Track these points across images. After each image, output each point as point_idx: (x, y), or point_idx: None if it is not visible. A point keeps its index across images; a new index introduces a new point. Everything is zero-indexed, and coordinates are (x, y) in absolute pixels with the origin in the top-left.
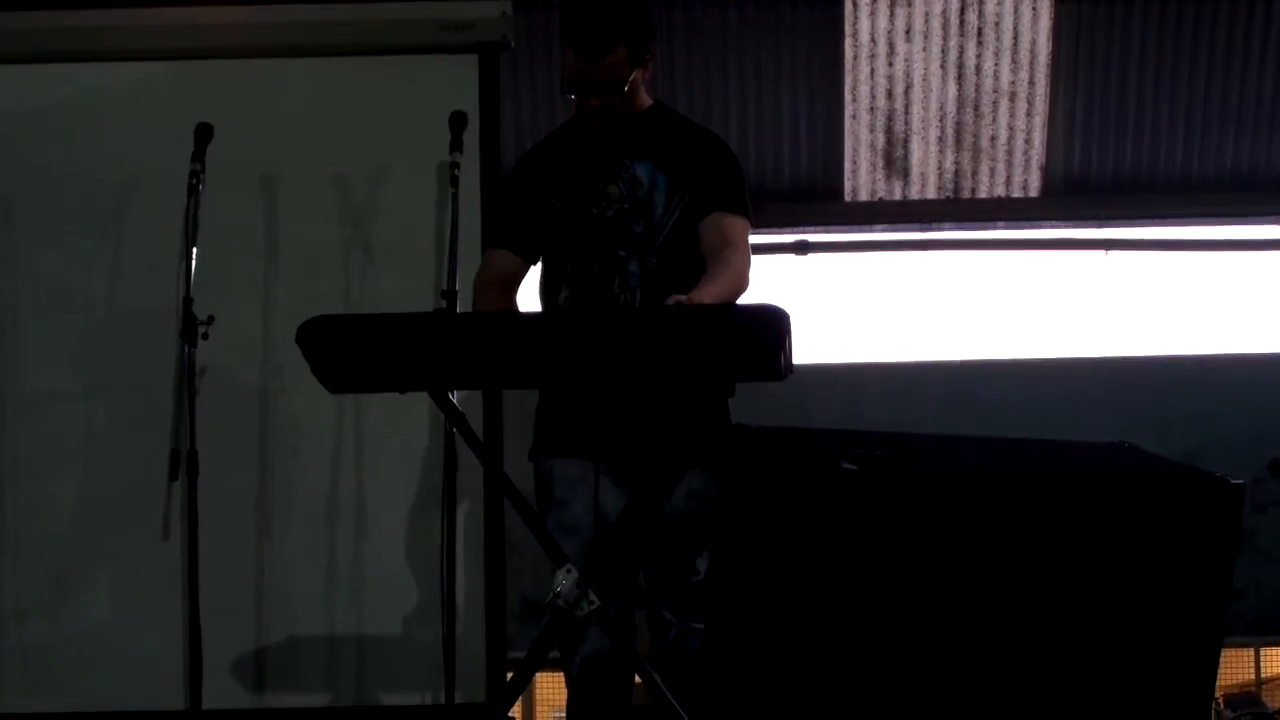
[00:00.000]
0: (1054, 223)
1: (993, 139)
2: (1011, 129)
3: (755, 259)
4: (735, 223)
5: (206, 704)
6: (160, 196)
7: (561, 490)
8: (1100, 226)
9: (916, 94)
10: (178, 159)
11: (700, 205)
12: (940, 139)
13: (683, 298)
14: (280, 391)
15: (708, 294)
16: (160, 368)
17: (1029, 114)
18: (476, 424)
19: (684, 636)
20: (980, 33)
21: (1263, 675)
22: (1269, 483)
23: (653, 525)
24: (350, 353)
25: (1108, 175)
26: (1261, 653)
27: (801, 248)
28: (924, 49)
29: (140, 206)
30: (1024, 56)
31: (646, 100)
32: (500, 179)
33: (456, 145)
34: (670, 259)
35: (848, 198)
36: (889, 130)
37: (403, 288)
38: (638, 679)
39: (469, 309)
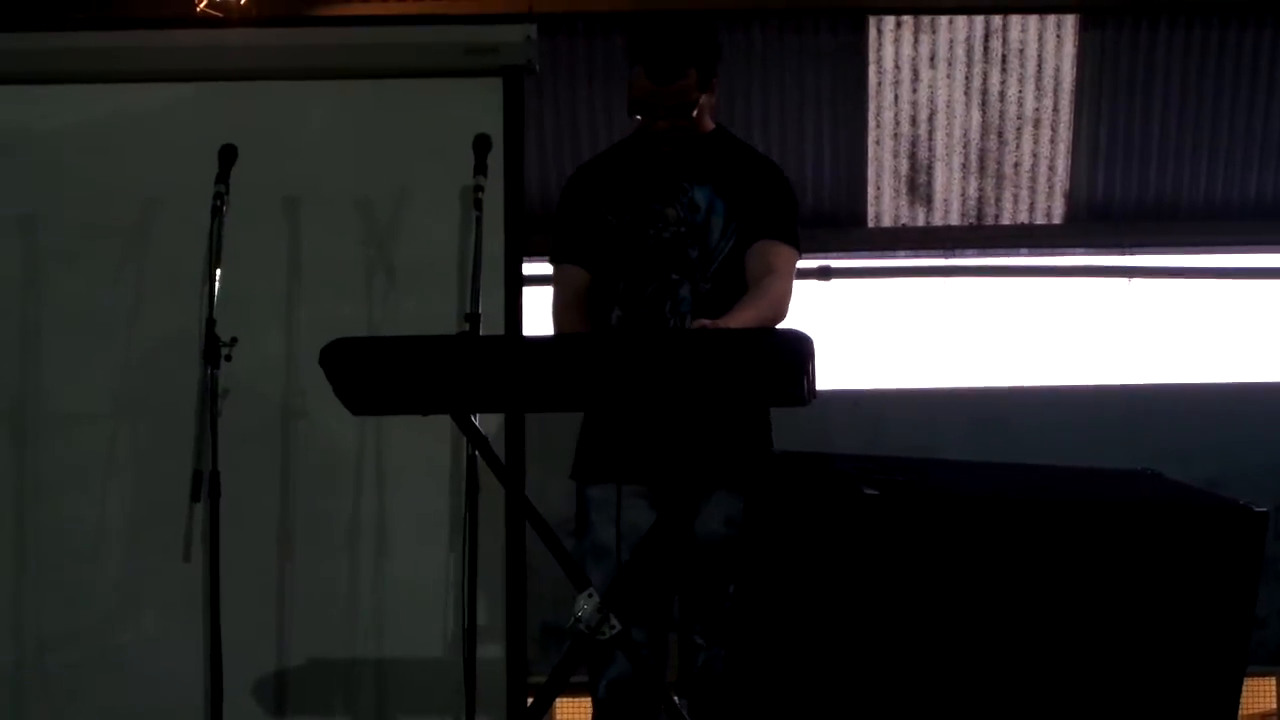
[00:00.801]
0: (1077, 250)
1: (1016, 166)
2: (1035, 156)
3: None
4: (781, 251)
5: None
6: (184, 217)
7: (596, 513)
8: (1123, 254)
9: (940, 120)
10: (201, 180)
11: (750, 231)
12: (964, 165)
13: (707, 322)
14: (303, 413)
15: (736, 319)
16: (183, 389)
17: (1053, 141)
18: (499, 447)
19: (713, 661)
20: (1004, 59)
21: None
22: None
23: (686, 549)
24: (373, 375)
25: (1131, 202)
26: None
27: (824, 273)
28: (948, 75)
29: (164, 227)
30: (1048, 83)
31: (710, 124)
32: (523, 203)
33: (480, 168)
34: (723, 285)
35: (871, 223)
36: (912, 156)
37: (425, 310)
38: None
39: (494, 332)
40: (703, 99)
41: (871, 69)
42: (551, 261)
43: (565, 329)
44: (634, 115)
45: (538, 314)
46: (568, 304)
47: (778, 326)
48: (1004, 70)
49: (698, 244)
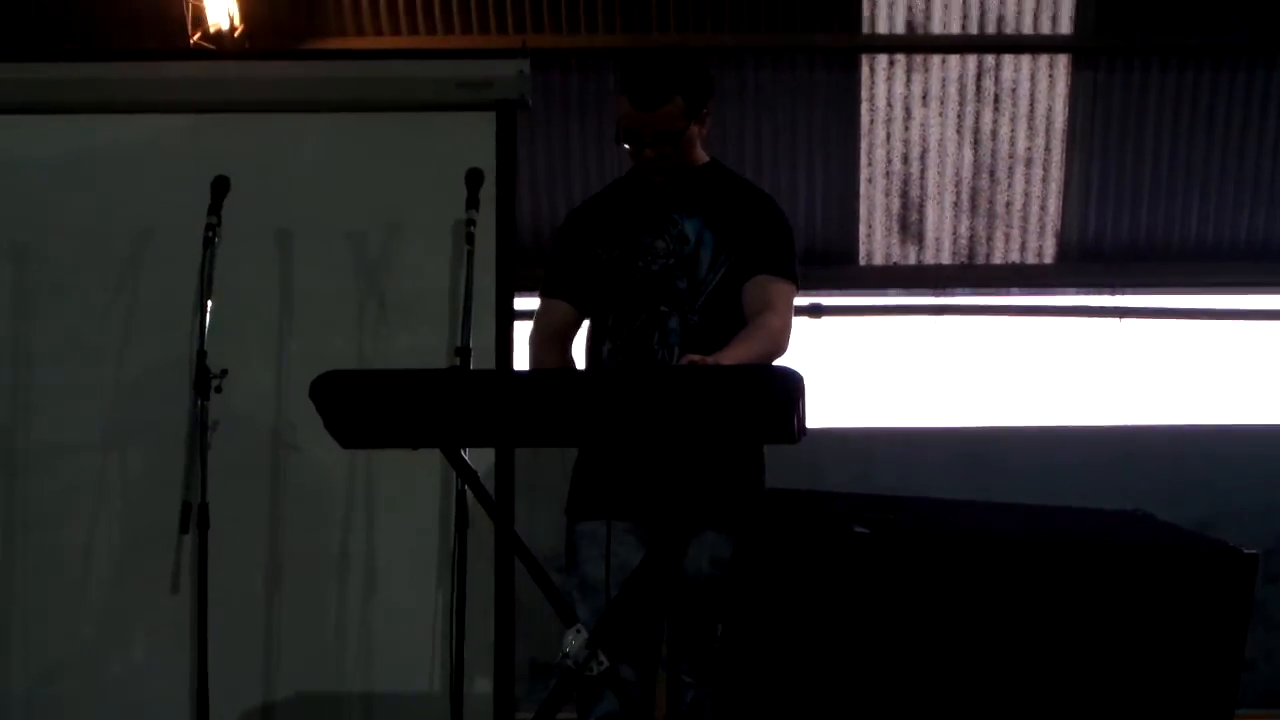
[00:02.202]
0: (1068, 289)
1: (1008, 205)
2: (1027, 195)
3: None
4: (779, 287)
5: None
6: (176, 249)
7: (585, 548)
8: (1114, 294)
9: (932, 159)
10: (193, 211)
11: (746, 266)
12: (955, 204)
13: (697, 358)
14: (292, 446)
15: (729, 356)
16: (173, 420)
17: (1044, 180)
18: (488, 482)
19: (702, 699)
20: (997, 99)
21: None
22: None
23: (675, 588)
24: (363, 408)
25: (1122, 242)
26: None
27: (815, 311)
28: (940, 114)
29: (155, 258)
30: (1040, 123)
31: (703, 156)
32: (515, 237)
33: (473, 202)
34: (712, 317)
35: (862, 261)
36: (904, 195)
37: (417, 344)
38: None
39: (485, 366)
40: (692, 129)
41: (864, 107)
42: (540, 295)
43: (540, 362)
44: (621, 144)
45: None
46: (545, 338)
47: (770, 364)
48: (996, 110)
49: (686, 275)
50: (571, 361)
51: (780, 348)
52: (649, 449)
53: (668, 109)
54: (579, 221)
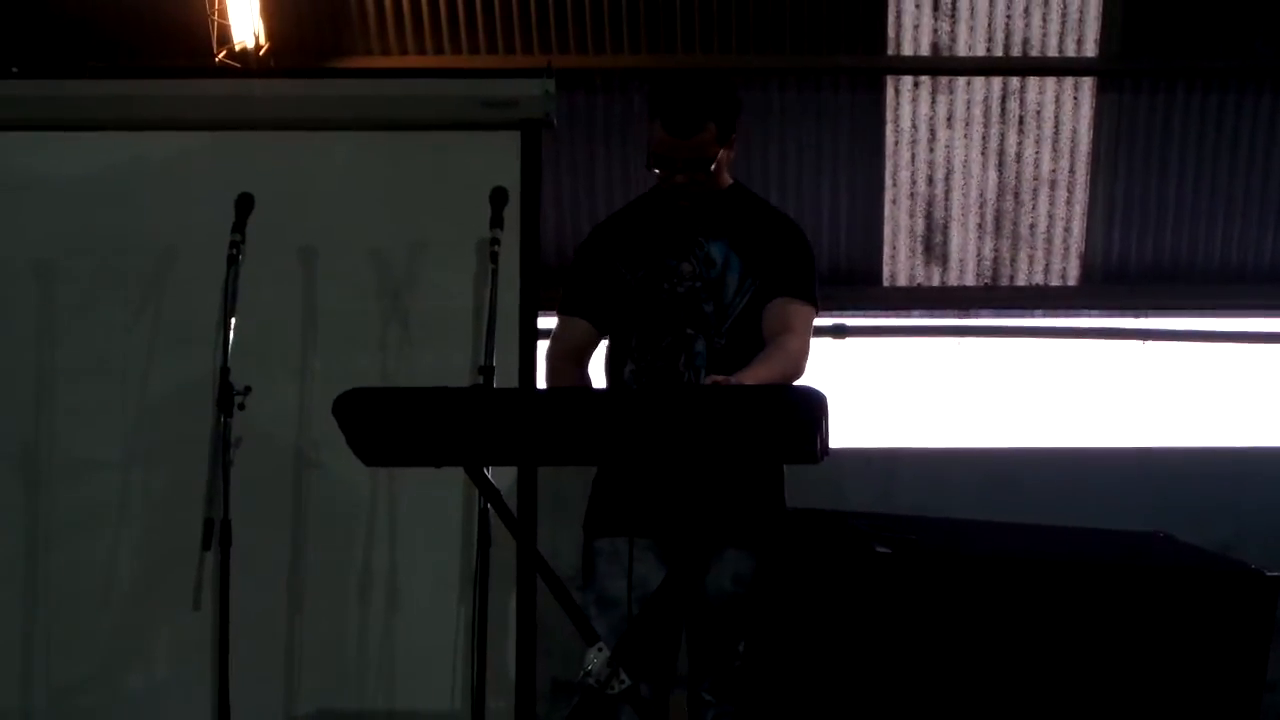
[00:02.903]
0: (1092, 311)
1: (1032, 227)
2: (1051, 217)
3: None
4: (799, 309)
5: None
6: (199, 266)
7: (604, 565)
8: (1138, 316)
9: (957, 180)
10: (218, 229)
11: (767, 289)
12: (980, 226)
13: (720, 378)
14: (315, 464)
15: (750, 376)
16: (196, 437)
17: (1069, 202)
18: (511, 501)
19: (723, 718)
20: (1021, 121)
21: None
22: None
23: (696, 606)
24: (386, 426)
25: (1146, 265)
26: None
27: (839, 331)
28: (965, 135)
29: (179, 275)
30: (1064, 145)
31: (728, 179)
32: (538, 256)
33: (497, 221)
34: (738, 341)
35: (886, 282)
36: (929, 216)
37: (440, 363)
38: None
39: (508, 385)
40: (721, 154)
41: (889, 128)
42: (558, 313)
43: (557, 380)
44: (652, 169)
45: None
46: (562, 355)
47: (793, 384)
48: (1021, 131)
49: (713, 299)
50: (589, 380)
51: (800, 369)
52: (673, 468)
53: (702, 136)
54: (602, 240)
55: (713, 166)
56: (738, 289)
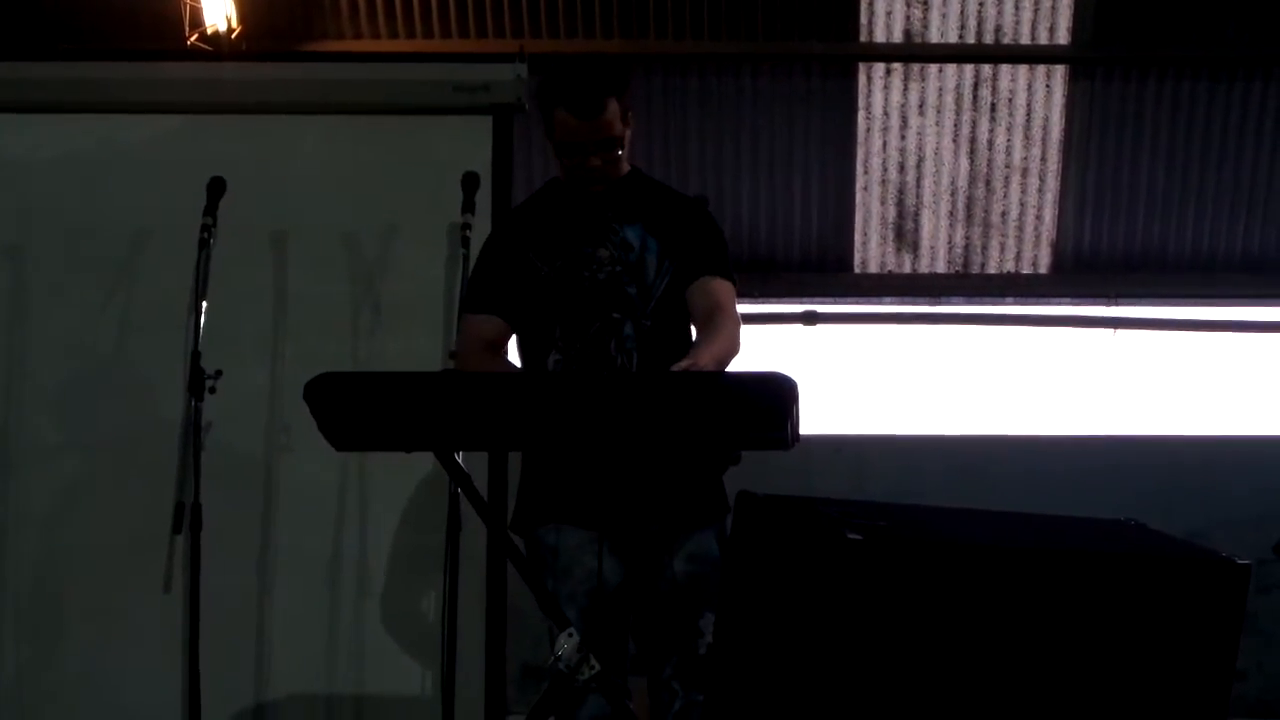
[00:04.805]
0: (1062, 300)
1: (1003, 214)
2: (1022, 205)
3: (763, 328)
4: (723, 286)
5: None
6: (171, 250)
7: (562, 559)
8: (1109, 304)
9: (928, 168)
10: (189, 212)
11: (687, 270)
12: (951, 213)
13: (684, 365)
14: (286, 448)
15: (705, 358)
16: (167, 421)
17: (1040, 190)
18: (481, 485)
19: (690, 709)
20: (993, 108)
21: None
22: (1273, 564)
23: (651, 593)
24: (356, 411)
25: (1118, 253)
26: None
27: (809, 318)
28: (936, 123)
29: (151, 259)
30: (1036, 133)
31: (626, 165)
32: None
33: (468, 206)
34: (664, 322)
35: (857, 269)
36: (900, 203)
37: (411, 347)
38: None
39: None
40: (626, 134)
41: (860, 115)
42: (466, 311)
43: (481, 370)
44: (563, 158)
45: None
46: (479, 349)
47: (755, 368)
48: (993, 119)
49: (635, 281)
50: (511, 367)
51: (737, 347)
52: (641, 456)
53: (607, 115)
54: (509, 235)
55: (622, 147)
56: (658, 270)
